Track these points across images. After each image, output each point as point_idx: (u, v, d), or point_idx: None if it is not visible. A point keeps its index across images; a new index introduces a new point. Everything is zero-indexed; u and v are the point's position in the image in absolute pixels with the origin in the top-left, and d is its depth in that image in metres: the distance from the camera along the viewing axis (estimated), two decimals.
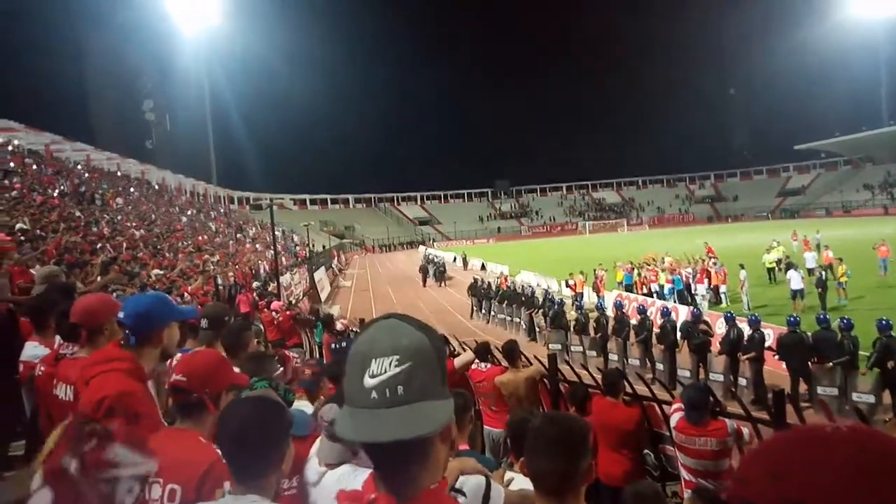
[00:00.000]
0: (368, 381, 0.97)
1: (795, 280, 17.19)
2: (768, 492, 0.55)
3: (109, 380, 2.26)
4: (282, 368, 3.35)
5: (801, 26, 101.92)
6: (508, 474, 2.36)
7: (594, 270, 22.26)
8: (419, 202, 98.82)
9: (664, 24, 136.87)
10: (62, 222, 16.84)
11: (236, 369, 2.86)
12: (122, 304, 2.57)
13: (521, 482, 2.09)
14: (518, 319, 18.86)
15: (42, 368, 3.13)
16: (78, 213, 20.91)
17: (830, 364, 9.51)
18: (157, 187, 49.49)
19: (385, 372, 0.97)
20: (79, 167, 37.08)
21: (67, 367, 2.72)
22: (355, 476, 1.95)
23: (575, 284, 21.82)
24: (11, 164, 25.42)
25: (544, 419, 1.92)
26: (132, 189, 39.56)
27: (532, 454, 1.79)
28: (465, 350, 6.34)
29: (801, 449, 0.58)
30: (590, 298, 20.28)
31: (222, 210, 58.71)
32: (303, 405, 3.18)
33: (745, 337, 10.80)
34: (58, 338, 3.32)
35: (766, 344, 10.67)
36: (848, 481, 0.53)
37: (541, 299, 18.34)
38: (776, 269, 21.95)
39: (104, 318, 2.74)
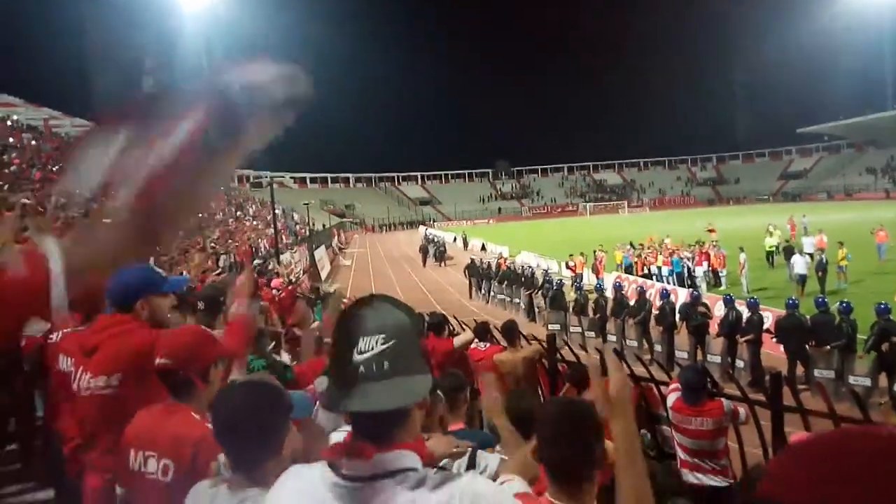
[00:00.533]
0: (357, 357, 1.08)
1: (799, 265, 17.06)
2: (804, 496, 0.53)
3: (128, 336, 2.33)
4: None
5: (805, 8, 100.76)
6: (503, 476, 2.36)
7: (594, 252, 22.27)
8: (420, 182, 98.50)
9: (668, 8, 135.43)
10: (62, 198, 16.76)
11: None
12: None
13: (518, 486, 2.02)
14: (517, 300, 18.92)
15: (54, 337, 3.13)
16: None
17: (828, 347, 9.56)
18: None
19: (372, 349, 1.08)
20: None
21: (69, 340, 2.74)
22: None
23: (575, 266, 21.83)
24: (10, 140, 25.28)
25: (557, 405, 1.91)
26: None
27: (546, 441, 1.76)
28: (464, 329, 6.37)
29: (851, 458, 0.54)
30: (589, 280, 20.31)
31: (222, 187, 58.60)
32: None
33: (744, 319, 10.85)
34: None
35: (765, 327, 10.72)
36: (885, 494, 0.50)
37: (540, 280, 18.37)
38: (775, 253, 21.93)
39: (99, 296, 2.76)
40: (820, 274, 16.76)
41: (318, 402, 2.23)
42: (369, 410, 1.07)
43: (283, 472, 1.24)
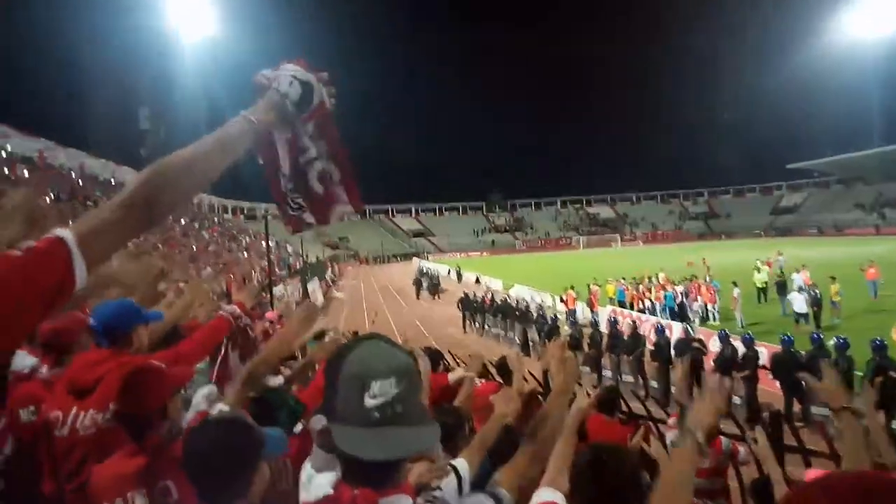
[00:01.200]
0: (369, 402, 1.05)
1: (798, 302, 16.96)
2: None
3: (128, 369, 2.28)
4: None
5: (796, 47, 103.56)
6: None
7: (588, 286, 22.27)
8: (413, 214, 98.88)
9: (662, 44, 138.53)
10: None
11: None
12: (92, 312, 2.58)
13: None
14: (512, 334, 18.82)
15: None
16: (71, 221, 20.80)
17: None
18: None
19: (386, 393, 1.05)
20: (72, 173, 36.94)
21: (34, 388, 2.68)
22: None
23: (566, 301, 21.83)
24: (5, 170, 25.30)
25: (593, 451, 1.86)
26: None
27: (579, 491, 1.69)
28: (458, 365, 6.31)
29: (871, 497, 0.57)
30: (584, 314, 20.27)
31: (216, 219, 58.56)
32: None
33: (740, 355, 10.81)
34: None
35: (760, 362, 10.67)
36: None
37: (534, 314, 18.32)
38: (766, 288, 21.95)
39: (75, 337, 2.72)
40: (815, 309, 16.78)
41: (314, 443, 2.18)
42: (394, 458, 1.06)
43: None
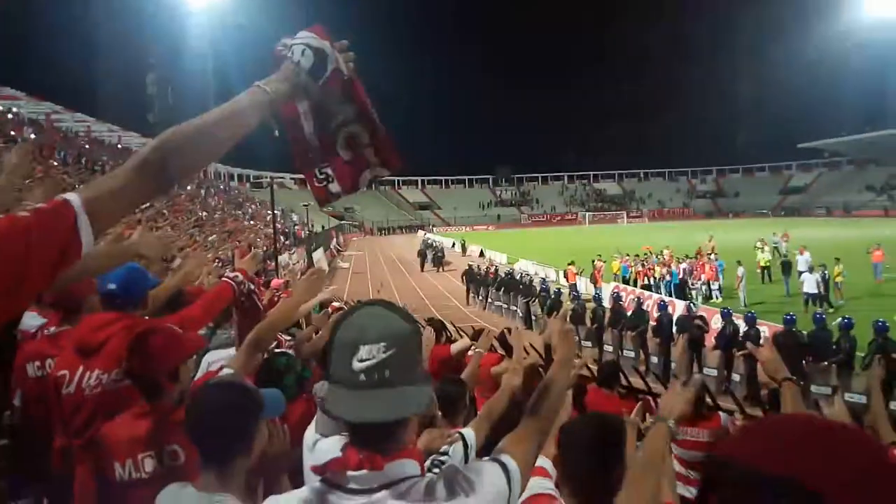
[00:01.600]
0: (357, 365, 1.08)
1: (809, 283, 16.74)
2: (766, 462, 0.58)
3: (134, 331, 2.32)
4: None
5: (810, 26, 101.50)
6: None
7: (592, 262, 22.27)
8: (420, 186, 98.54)
9: (672, 21, 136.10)
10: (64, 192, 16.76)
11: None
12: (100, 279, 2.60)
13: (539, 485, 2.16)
14: (515, 307, 18.90)
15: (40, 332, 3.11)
16: (77, 185, 20.85)
17: (825, 363, 9.55)
18: None
19: (373, 357, 1.07)
20: (79, 138, 36.89)
21: (42, 345, 2.73)
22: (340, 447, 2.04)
23: (567, 275, 21.86)
24: (12, 132, 25.28)
25: (580, 418, 1.93)
26: None
27: (565, 454, 1.77)
28: (461, 336, 6.35)
29: (806, 432, 0.61)
30: (587, 289, 20.31)
31: (222, 187, 58.55)
32: None
33: (741, 333, 10.85)
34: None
35: (761, 341, 10.71)
36: (835, 467, 0.57)
37: (538, 288, 18.37)
38: (769, 267, 21.91)
39: (84, 296, 2.75)
40: (823, 291, 16.73)
41: (318, 408, 2.23)
42: (372, 421, 1.07)
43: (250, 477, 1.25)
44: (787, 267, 19.78)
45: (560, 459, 1.77)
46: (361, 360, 1.08)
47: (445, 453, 1.93)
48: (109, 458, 2.00)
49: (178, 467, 1.95)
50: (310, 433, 2.28)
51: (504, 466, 1.26)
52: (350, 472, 1.10)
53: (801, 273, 19.50)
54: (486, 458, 1.33)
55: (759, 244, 23.21)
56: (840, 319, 9.96)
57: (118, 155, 38.93)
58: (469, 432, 2.13)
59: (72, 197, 1.04)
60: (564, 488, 1.73)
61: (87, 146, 34.62)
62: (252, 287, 2.92)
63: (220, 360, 2.99)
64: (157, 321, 2.58)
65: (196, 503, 1.58)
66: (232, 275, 2.91)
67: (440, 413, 2.96)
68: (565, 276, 21.88)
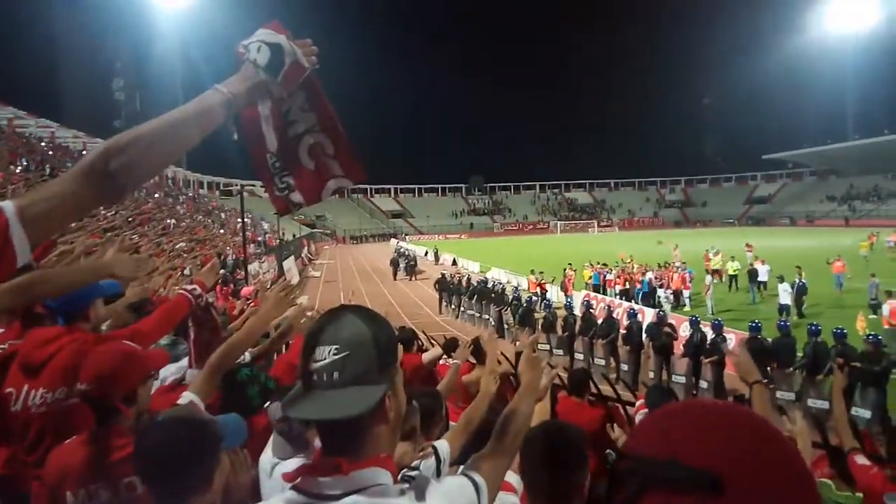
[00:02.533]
0: (312, 365, 1.11)
1: (784, 295, 16.85)
2: (657, 446, 0.63)
3: (85, 348, 2.22)
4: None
5: (775, 41, 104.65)
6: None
7: (563, 270, 22.44)
8: (393, 195, 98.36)
9: (642, 35, 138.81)
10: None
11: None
12: None
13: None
14: (487, 316, 18.92)
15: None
16: None
17: (789, 369, 9.76)
18: None
19: (325, 359, 1.10)
20: (42, 144, 35.98)
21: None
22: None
23: (528, 285, 22.07)
24: None
25: (542, 429, 1.93)
26: None
27: (529, 465, 1.77)
28: (433, 345, 6.34)
29: (688, 414, 0.66)
30: (558, 298, 20.45)
31: (191, 194, 57.63)
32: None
33: (708, 341, 11.03)
34: None
35: (731, 346, 10.90)
36: (721, 443, 0.60)
37: (510, 297, 18.43)
38: (737, 276, 22.35)
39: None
40: (801, 299, 17.07)
41: (274, 430, 2.19)
42: (315, 419, 1.10)
43: None
44: (753, 275, 20.21)
45: (523, 469, 1.76)
46: (315, 361, 1.11)
47: (416, 468, 1.89)
48: (61, 487, 1.86)
49: (136, 499, 1.82)
50: (266, 457, 2.21)
51: (474, 482, 1.29)
52: (320, 478, 1.10)
53: (761, 283, 20.01)
54: (457, 473, 1.34)
55: (711, 255, 23.62)
56: (809, 325, 10.21)
57: None
58: (443, 445, 2.09)
59: (5, 205, 0.98)
60: (529, 496, 1.73)
61: (50, 152, 33.76)
62: (210, 300, 2.84)
63: (171, 375, 2.89)
64: (105, 336, 2.48)
65: None
66: (189, 287, 2.83)
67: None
68: (541, 284, 21.98)
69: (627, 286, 21.17)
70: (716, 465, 0.58)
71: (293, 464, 2.03)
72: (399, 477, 1.80)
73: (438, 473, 1.96)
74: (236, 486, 1.74)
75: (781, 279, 17.12)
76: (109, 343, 2.18)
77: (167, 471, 1.52)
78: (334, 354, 1.10)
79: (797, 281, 17.38)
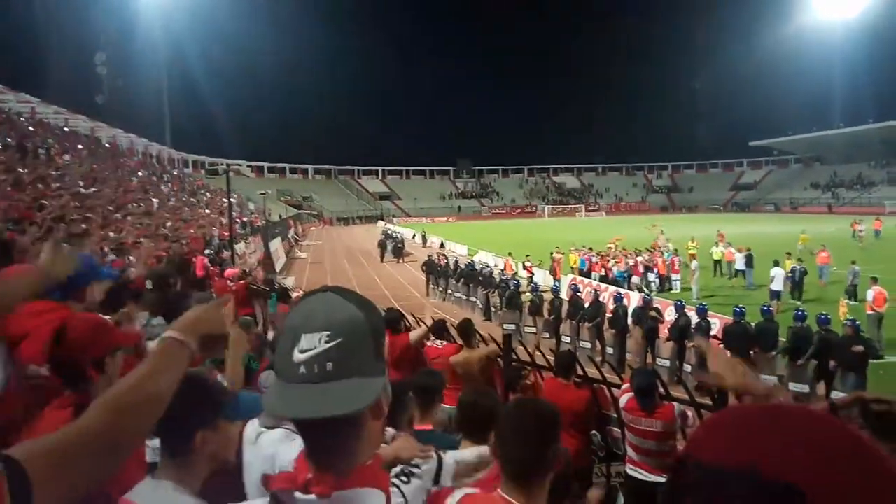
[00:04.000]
0: (298, 356, 0.95)
1: (777, 281, 16.73)
2: (726, 455, 0.55)
3: (49, 320, 2.20)
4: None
5: (762, 28, 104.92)
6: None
7: (551, 254, 22.54)
8: (380, 177, 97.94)
9: (630, 22, 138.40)
10: (3, 175, 16.04)
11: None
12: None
13: (457, 454, 2.16)
14: (474, 298, 18.98)
15: None
16: (21, 169, 19.94)
17: (772, 353, 9.92)
18: (107, 146, 47.58)
19: (314, 347, 0.95)
20: (22, 119, 35.31)
21: None
22: (288, 443, 1.99)
23: (504, 267, 22.18)
24: None
25: (514, 405, 1.94)
26: (80, 146, 37.90)
27: (502, 440, 1.80)
28: (420, 326, 6.35)
29: (762, 419, 0.58)
30: (545, 281, 20.54)
31: (176, 173, 56.95)
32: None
33: (693, 325, 11.15)
34: None
35: (712, 332, 11.05)
36: (806, 455, 0.53)
37: (497, 280, 18.49)
38: (721, 261, 22.55)
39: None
40: (798, 284, 17.17)
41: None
42: (307, 418, 0.95)
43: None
44: (750, 260, 20.05)
45: (499, 444, 1.81)
46: (302, 351, 0.95)
47: (417, 466, 1.86)
48: None
49: None
50: (252, 426, 2.21)
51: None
52: (298, 495, 0.98)
53: (738, 271, 20.14)
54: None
55: (690, 244, 23.82)
56: (795, 311, 10.37)
57: (65, 139, 37.43)
58: (450, 459, 2.04)
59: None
60: (504, 471, 1.77)
61: (31, 128, 33.14)
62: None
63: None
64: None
65: (151, 490, 1.48)
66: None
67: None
68: (528, 267, 22.03)
69: (604, 271, 21.23)
70: (801, 480, 0.51)
71: (275, 435, 2.03)
72: (398, 470, 1.77)
73: (437, 480, 1.92)
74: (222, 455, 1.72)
75: (777, 263, 17.08)
76: (83, 313, 2.18)
77: (171, 421, 1.50)
78: (326, 342, 0.95)
79: (796, 267, 17.32)
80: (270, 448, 2.02)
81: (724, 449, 0.56)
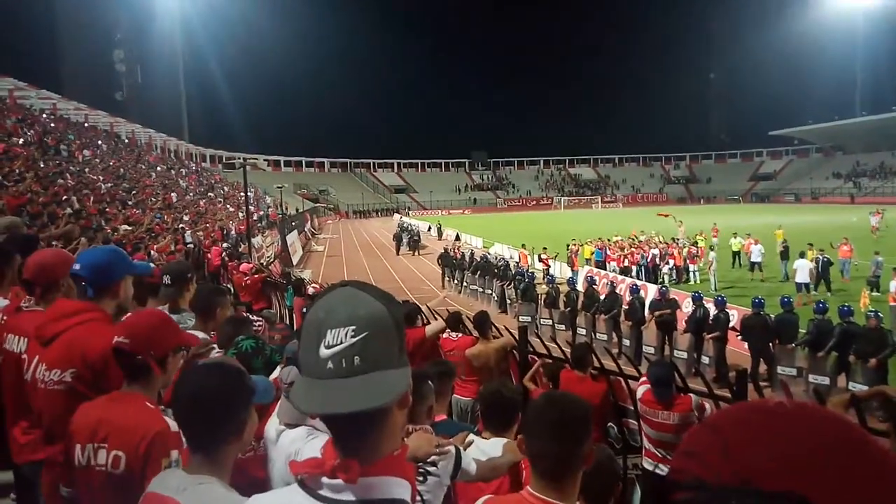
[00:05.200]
0: (324, 352, 0.96)
1: (802, 272, 16.48)
2: (720, 467, 0.52)
3: (89, 330, 2.21)
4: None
5: (782, 15, 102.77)
6: (470, 437, 2.33)
7: (567, 246, 22.43)
8: (396, 169, 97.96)
9: (647, 9, 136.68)
10: (26, 172, 16.27)
11: (201, 334, 2.80)
12: (77, 257, 2.50)
13: (479, 444, 2.13)
14: (490, 291, 18.97)
15: (4, 318, 3.02)
16: (42, 164, 20.23)
17: (791, 345, 9.79)
18: (126, 141, 48.11)
19: (341, 342, 0.96)
20: (44, 116, 35.80)
21: (23, 320, 2.61)
22: (310, 441, 1.98)
23: (520, 259, 22.09)
24: None
25: (546, 399, 1.91)
26: (100, 142, 38.37)
27: (531, 435, 1.75)
28: (436, 319, 6.36)
29: (754, 423, 0.55)
30: (562, 273, 20.47)
31: (194, 167, 57.47)
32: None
33: (711, 317, 11.04)
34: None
35: (731, 324, 10.93)
36: (805, 458, 0.50)
37: (513, 272, 18.46)
38: (740, 252, 22.28)
39: (59, 274, 2.63)
40: (822, 274, 16.85)
41: (283, 394, 2.18)
42: (338, 413, 0.96)
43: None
44: (785, 253, 19.48)
45: (526, 441, 1.76)
46: (328, 347, 0.96)
47: (434, 464, 1.85)
48: (71, 441, 1.91)
49: (118, 475, 1.85)
50: (272, 424, 2.21)
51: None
52: (325, 480, 1.00)
53: (754, 264, 19.74)
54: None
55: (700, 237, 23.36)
56: (815, 304, 10.21)
57: (84, 134, 37.89)
58: (468, 456, 2.03)
59: None
60: (534, 468, 1.73)
61: (52, 125, 33.60)
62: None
63: None
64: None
65: (180, 483, 1.52)
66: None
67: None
68: (544, 259, 21.96)
69: (627, 263, 21.06)
70: (804, 487, 0.48)
71: (297, 433, 2.03)
72: (415, 469, 1.77)
73: (454, 476, 1.90)
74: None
75: (802, 255, 16.87)
76: (148, 308, 2.20)
77: (204, 414, 1.55)
78: (352, 336, 0.96)
79: (820, 257, 16.96)
80: (292, 447, 2.02)
81: (718, 461, 0.52)
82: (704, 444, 0.55)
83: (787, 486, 0.49)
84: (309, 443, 1.99)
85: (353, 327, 0.96)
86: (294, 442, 2.00)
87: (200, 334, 2.85)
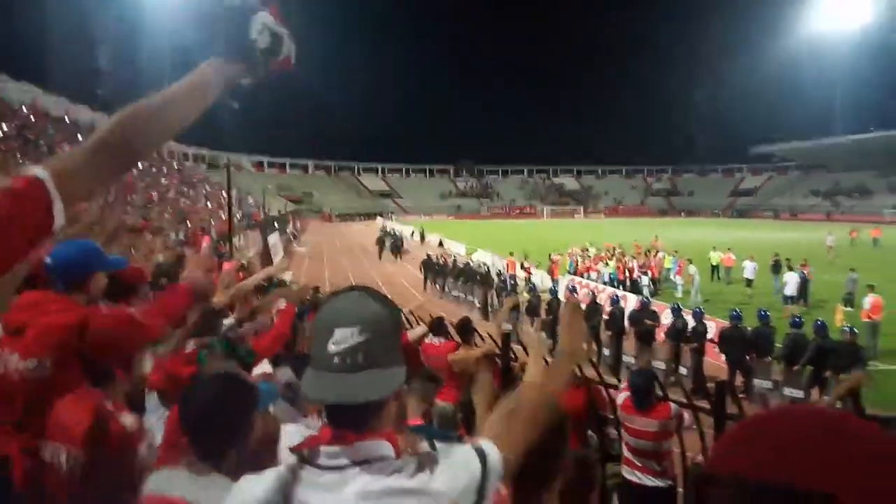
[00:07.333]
0: (332, 348, 1.09)
1: (791, 285, 16.80)
2: (761, 464, 0.54)
3: (62, 315, 2.17)
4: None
5: (767, 36, 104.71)
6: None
7: (549, 255, 22.55)
8: (380, 174, 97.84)
9: (634, 24, 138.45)
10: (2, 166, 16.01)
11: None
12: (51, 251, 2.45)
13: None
14: (472, 297, 18.99)
15: None
16: (20, 158, 19.92)
17: (768, 358, 9.93)
18: None
19: (347, 341, 1.09)
20: (23, 109, 35.22)
21: None
22: (303, 435, 1.97)
23: (507, 265, 22.18)
24: None
25: None
26: (80, 137, 37.83)
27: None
28: (419, 324, 6.36)
29: (796, 425, 0.57)
30: (543, 282, 20.56)
31: (176, 166, 56.86)
32: (264, 367, 3.11)
33: (689, 328, 11.17)
34: None
35: (708, 336, 11.06)
36: (840, 461, 0.53)
37: (495, 279, 18.51)
38: (719, 266, 22.55)
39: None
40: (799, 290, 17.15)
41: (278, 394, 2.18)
42: (344, 402, 1.09)
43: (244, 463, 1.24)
44: (777, 267, 19.67)
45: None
46: (336, 344, 1.09)
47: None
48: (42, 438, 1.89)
49: (74, 474, 1.84)
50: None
51: (482, 453, 1.20)
52: (323, 448, 1.12)
53: (748, 280, 19.96)
54: (466, 443, 1.24)
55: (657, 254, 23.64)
56: (791, 318, 10.35)
57: (65, 129, 37.34)
58: (492, 451, 2.01)
59: (42, 174, 1.03)
60: (516, 480, 1.73)
61: (32, 118, 33.06)
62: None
63: None
64: (93, 309, 2.44)
65: (187, 483, 1.52)
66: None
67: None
68: (526, 268, 22.07)
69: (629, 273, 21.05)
70: (836, 489, 0.50)
71: (295, 429, 2.05)
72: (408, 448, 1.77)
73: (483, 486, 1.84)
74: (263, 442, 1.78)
75: (790, 268, 17.30)
76: (115, 308, 2.14)
77: (212, 424, 1.57)
78: (357, 336, 1.10)
79: (802, 271, 17.45)
80: (289, 441, 2.03)
81: (754, 461, 0.55)
82: (745, 441, 0.58)
83: (821, 489, 0.50)
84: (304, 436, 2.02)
85: (359, 327, 1.10)
86: (291, 437, 2.01)
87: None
